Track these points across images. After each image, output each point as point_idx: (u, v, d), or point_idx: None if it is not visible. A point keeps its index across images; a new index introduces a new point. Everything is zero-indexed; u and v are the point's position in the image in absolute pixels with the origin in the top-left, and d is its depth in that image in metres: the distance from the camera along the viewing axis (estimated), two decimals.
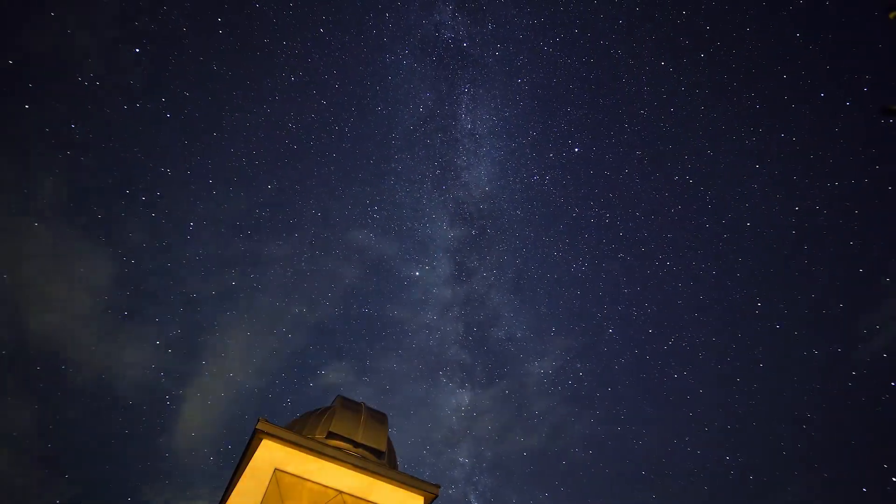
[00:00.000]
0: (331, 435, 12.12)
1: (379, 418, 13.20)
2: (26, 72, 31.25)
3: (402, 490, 12.18)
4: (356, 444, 12.33)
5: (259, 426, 11.40)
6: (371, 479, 12.03)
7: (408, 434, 46.59)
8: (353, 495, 11.84)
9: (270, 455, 11.46)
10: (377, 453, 12.57)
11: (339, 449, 12.14)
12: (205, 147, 38.99)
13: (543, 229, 50.59)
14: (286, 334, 43.95)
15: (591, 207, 48.75)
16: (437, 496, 12.43)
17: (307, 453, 11.73)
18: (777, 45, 42.51)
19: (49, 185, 33.82)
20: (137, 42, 35.74)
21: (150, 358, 37.69)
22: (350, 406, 12.98)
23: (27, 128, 32.14)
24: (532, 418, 48.53)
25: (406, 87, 46.66)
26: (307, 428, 12.32)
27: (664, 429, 46.47)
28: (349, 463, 11.93)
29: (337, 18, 41.90)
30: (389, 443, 13.23)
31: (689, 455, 43.45)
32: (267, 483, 11.24)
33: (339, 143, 44.67)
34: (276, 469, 11.38)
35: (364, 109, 44.66)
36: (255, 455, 11.52)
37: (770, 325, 42.71)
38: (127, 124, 35.84)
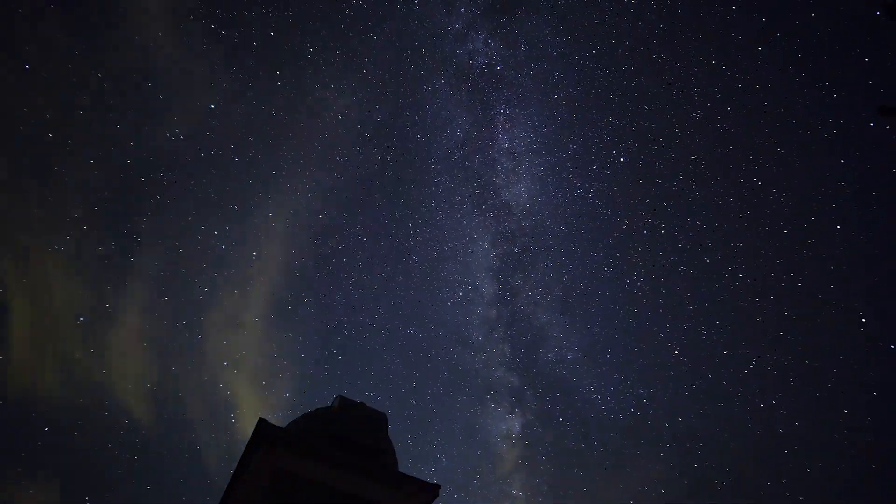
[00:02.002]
0: (331, 436, 12.40)
1: (379, 419, 13.37)
2: (131, 135, 37.76)
3: (402, 491, 12.21)
4: (356, 445, 12.53)
5: (259, 426, 11.86)
6: (371, 479, 12.16)
7: (456, 462, 44.70)
8: (353, 496, 12.00)
9: (270, 456, 11.88)
10: (377, 454, 12.71)
11: (339, 450, 12.37)
12: (266, 186, 42.94)
13: (591, 244, 48.53)
14: (336, 356, 45.48)
15: (643, 218, 45.99)
16: (437, 496, 12.35)
17: (307, 454, 12.04)
18: (849, 26, 38.86)
19: (145, 228, 39.16)
20: (212, 99, 40.93)
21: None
22: (350, 406, 13.25)
23: (127, 177, 37.82)
24: (591, 449, 44.12)
25: (443, 113, 48.52)
26: (307, 428, 12.67)
27: (753, 468, 38.08)
28: (349, 464, 12.13)
29: (378, 59, 44.97)
30: (390, 443, 13.34)
31: (786, 501, 37.53)
32: (267, 484, 11.65)
33: (382, 171, 47.11)
34: (275, 470, 11.77)
35: (404, 139, 47.03)
36: (255, 456, 12.00)
37: (882, 344, 36.95)
38: (203, 170, 40.74)
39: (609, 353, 45.91)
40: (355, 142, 45.02)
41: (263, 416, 12.04)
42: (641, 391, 44.12)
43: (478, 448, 45.54)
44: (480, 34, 46.39)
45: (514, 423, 45.85)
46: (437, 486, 12.39)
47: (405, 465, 12.78)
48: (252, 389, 41.60)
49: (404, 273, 47.05)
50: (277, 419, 12.25)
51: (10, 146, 35.21)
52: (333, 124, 44.46)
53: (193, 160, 40.23)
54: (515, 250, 48.40)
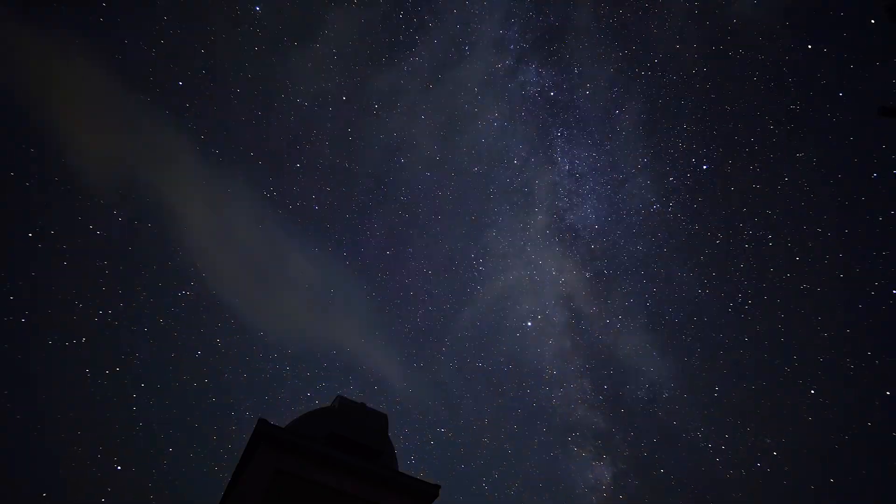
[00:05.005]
0: (331, 436, 12.19)
1: (379, 419, 12.94)
2: (238, 194, 42.07)
3: (401, 490, 11.57)
4: (356, 445, 12.18)
5: (259, 427, 12.01)
6: (371, 479, 11.71)
7: None
8: (353, 496, 11.62)
9: (270, 456, 11.93)
10: (377, 454, 12.23)
11: (339, 450, 12.12)
12: (342, 229, 46.04)
13: (677, 264, 43.11)
14: (406, 388, 45.24)
15: (742, 230, 39.99)
16: (437, 496, 11.52)
17: (307, 454, 11.94)
18: None
19: (247, 267, 42.94)
20: (298, 160, 45.19)
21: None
22: (350, 407, 12.98)
23: (231, 231, 40.83)
24: None
25: (499, 145, 49.17)
26: (307, 429, 12.57)
27: None
28: (349, 464, 11.83)
29: (435, 106, 47.31)
30: (389, 444, 12.81)
31: None
32: (267, 484, 11.67)
33: (443, 206, 48.38)
34: (275, 470, 11.78)
35: (462, 173, 48.38)
36: (255, 456, 12.11)
37: None
38: (291, 219, 44.79)
39: (717, 392, 39.30)
40: (417, 181, 47.24)
41: (263, 417, 12.26)
42: (769, 441, 36.19)
43: (563, 499, 40.20)
44: (531, 65, 46.63)
45: (603, 472, 38.97)
46: (438, 486, 11.63)
47: None
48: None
49: (470, 304, 46.39)
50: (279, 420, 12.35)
51: (143, 219, 41.82)
52: (397, 168, 47.42)
53: (283, 212, 44.63)
54: (587, 275, 44.43)
